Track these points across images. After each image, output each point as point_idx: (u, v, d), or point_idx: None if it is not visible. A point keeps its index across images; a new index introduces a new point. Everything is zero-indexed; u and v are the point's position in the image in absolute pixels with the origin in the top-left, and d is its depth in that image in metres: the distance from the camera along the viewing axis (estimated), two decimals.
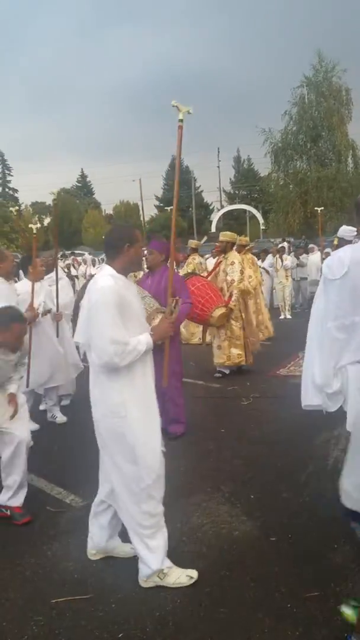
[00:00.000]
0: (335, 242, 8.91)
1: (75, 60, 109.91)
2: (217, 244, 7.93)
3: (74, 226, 52.55)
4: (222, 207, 48.31)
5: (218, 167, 56.12)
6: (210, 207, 59.90)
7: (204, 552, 3.16)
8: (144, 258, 5.66)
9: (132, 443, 2.77)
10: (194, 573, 2.92)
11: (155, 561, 2.85)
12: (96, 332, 2.72)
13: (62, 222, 53.11)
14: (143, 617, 2.65)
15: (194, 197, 52.57)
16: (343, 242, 7.69)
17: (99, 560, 3.14)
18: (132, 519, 2.88)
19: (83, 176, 68.59)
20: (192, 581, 2.88)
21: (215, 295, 6.58)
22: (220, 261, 7.38)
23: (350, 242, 7.82)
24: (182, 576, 2.89)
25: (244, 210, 43.31)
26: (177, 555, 3.13)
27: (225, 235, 7.67)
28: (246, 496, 3.80)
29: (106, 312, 2.69)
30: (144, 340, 2.80)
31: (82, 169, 68.80)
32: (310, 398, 2.97)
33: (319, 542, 3.16)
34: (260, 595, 2.74)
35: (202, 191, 61.04)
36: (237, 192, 59.73)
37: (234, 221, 51.53)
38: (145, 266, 5.45)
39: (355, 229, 7.88)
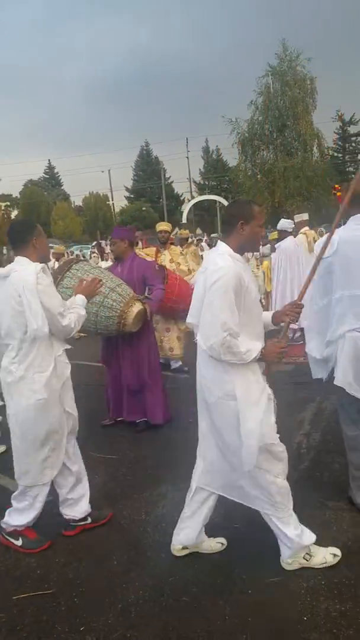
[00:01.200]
0: (275, 236, 9.54)
1: (40, 51, 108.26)
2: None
3: (42, 218, 51.89)
4: (193, 197, 48.23)
5: (187, 157, 56.05)
6: (181, 198, 59.80)
7: (167, 542, 3.16)
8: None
9: (250, 423, 2.60)
10: (337, 551, 2.84)
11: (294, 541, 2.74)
12: (209, 314, 2.56)
13: (30, 215, 52.39)
14: (105, 609, 2.65)
15: (164, 188, 52.36)
16: (285, 233, 8.74)
17: (61, 555, 3.13)
18: (262, 501, 2.76)
19: (50, 167, 67.68)
20: (337, 559, 2.80)
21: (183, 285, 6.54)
22: (159, 251, 7.32)
23: (290, 233, 8.72)
24: (327, 555, 2.82)
25: (215, 201, 43.31)
26: (141, 546, 3.15)
27: (167, 226, 7.62)
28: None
29: (224, 295, 2.51)
30: (255, 350, 2.58)
31: (49, 161, 67.91)
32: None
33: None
34: (222, 582, 2.77)
35: (172, 182, 60.90)
36: (207, 182, 59.70)
37: (204, 212, 51.53)
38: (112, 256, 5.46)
39: (292, 221, 8.72)
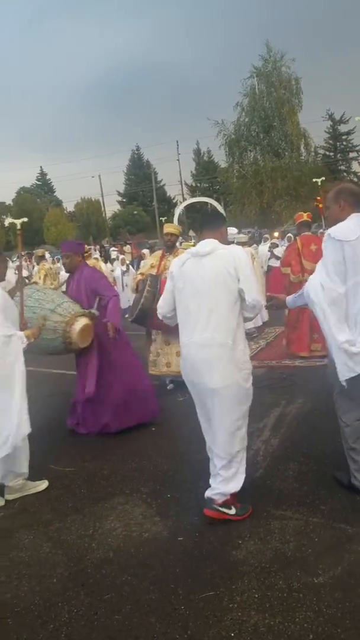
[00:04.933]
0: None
1: (27, 58, 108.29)
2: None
3: (35, 225, 51.85)
4: (184, 200, 48.20)
5: (178, 160, 56.05)
6: (174, 201, 59.82)
7: (110, 557, 3.13)
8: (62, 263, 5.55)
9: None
10: None
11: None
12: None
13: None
14: (36, 629, 2.60)
15: (155, 192, 52.39)
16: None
17: (2, 573, 3.08)
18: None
19: (43, 174, 67.82)
20: None
21: None
22: (164, 256, 6.90)
23: (231, 243, 8.74)
24: None
25: (206, 203, 43.24)
26: (83, 563, 3.11)
27: (175, 229, 6.81)
28: (163, 495, 3.79)
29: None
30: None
31: (41, 167, 68.02)
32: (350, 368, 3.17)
33: (224, 540, 3.15)
34: (157, 598, 2.72)
35: (164, 185, 61.02)
36: (198, 184, 59.74)
37: (197, 214, 51.27)
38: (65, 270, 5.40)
39: (236, 229, 9.09)
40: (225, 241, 3.50)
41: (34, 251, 16.04)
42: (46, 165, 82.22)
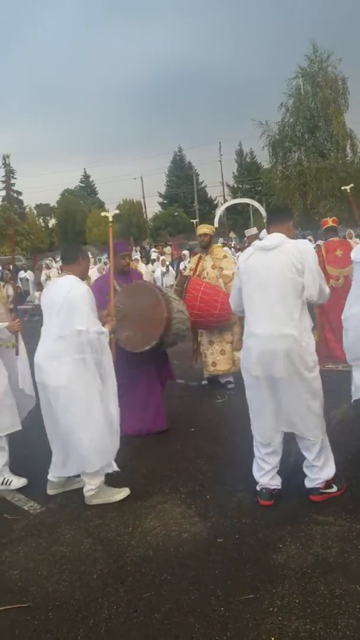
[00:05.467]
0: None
1: (73, 60, 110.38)
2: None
3: (78, 226, 52.68)
4: (226, 201, 48.08)
5: (220, 161, 55.93)
6: (214, 202, 59.74)
7: (150, 556, 3.14)
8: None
9: None
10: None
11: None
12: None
13: (66, 223, 53.30)
14: (77, 624, 2.63)
15: (196, 193, 52.43)
16: (253, 240, 9.20)
17: (44, 567, 3.13)
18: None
19: (86, 176, 68.79)
20: None
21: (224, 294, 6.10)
22: (201, 258, 6.99)
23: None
24: None
25: (248, 204, 43.01)
26: (122, 560, 3.13)
27: (209, 229, 6.90)
28: (202, 497, 3.77)
29: None
30: None
31: (84, 169, 69.13)
32: None
33: (264, 543, 3.12)
34: (196, 599, 2.71)
35: (205, 186, 61.00)
36: (240, 186, 59.50)
37: (238, 215, 51.41)
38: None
39: (255, 229, 9.76)
40: (292, 236, 3.57)
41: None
42: (89, 168, 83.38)
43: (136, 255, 19.10)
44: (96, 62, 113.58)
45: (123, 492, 3.87)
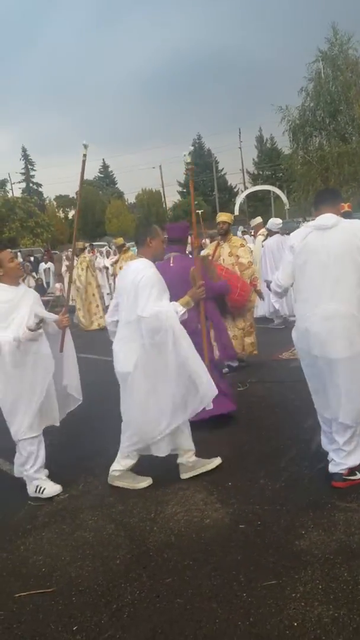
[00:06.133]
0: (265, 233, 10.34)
1: (89, 51, 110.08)
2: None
3: (97, 217, 52.77)
4: (246, 188, 47.68)
5: (240, 148, 55.52)
6: (235, 190, 59.35)
7: (172, 542, 3.15)
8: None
9: None
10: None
11: None
12: None
13: (86, 214, 53.43)
14: (100, 609, 2.66)
15: (215, 181, 52.10)
16: (271, 233, 9.65)
17: (68, 553, 3.16)
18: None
19: (105, 167, 68.73)
20: None
21: (243, 280, 6.36)
22: (218, 245, 7.07)
23: (277, 232, 9.59)
24: None
25: (269, 191, 42.56)
26: (145, 546, 3.14)
27: (227, 217, 7.13)
28: (224, 483, 3.77)
29: None
30: None
31: (103, 160, 68.93)
32: None
33: (287, 529, 3.11)
34: (218, 584, 2.72)
35: (224, 174, 60.60)
36: (260, 172, 58.88)
37: (259, 202, 50.89)
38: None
39: (280, 221, 9.78)
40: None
41: (112, 241, 16.25)
42: (108, 158, 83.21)
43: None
44: (113, 51, 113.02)
45: (146, 481, 3.86)
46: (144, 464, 3.95)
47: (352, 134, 29.81)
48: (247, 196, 43.04)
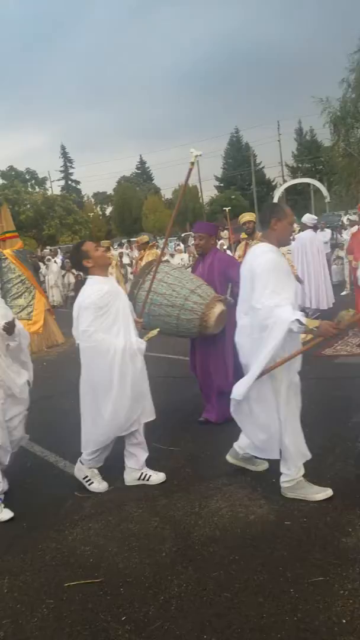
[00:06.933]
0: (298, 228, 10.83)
1: (125, 47, 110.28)
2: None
3: (134, 214, 53.05)
4: (285, 182, 47.08)
5: (279, 140, 54.88)
6: (273, 183, 58.70)
7: (217, 536, 3.17)
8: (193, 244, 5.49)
9: None
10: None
11: None
12: None
13: (123, 211, 53.81)
14: (148, 600, 2.70)
15: (253, 175, 51.64)
16: (305, 227, 9.83)
17: (114, 544, 3.22)
18: None
19: (142, 162, 69.03)
20: None
21: None
22: (247, 244, 7.13)
23: (311, 228, 9.79)
24: None
25: (309, 184, 41.93)
26: (191, 539, 3.17)
27: (251, 216, 7.40)
28: (268, 480, 3.76)
29: None
30: None
31: (140, 156, 69.28)
32: None
33: (333, 526, 3.09)
34: (265, 579, 2.72)
35: (263, 167, 59.96)
36: (300, 165, 58.08)
37: (298, 196, 50.19)
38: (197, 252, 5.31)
39: (315, 217, 10.18)
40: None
41: (137, 238, 16.42)
42: (145, 154, 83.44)
43: (179, 245, 18.76)
44: (148, 47, 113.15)
45: (325, 493, 3.41)
46: (186, 458, 3.96)
47: None
48: (286, 190, 42.42)
